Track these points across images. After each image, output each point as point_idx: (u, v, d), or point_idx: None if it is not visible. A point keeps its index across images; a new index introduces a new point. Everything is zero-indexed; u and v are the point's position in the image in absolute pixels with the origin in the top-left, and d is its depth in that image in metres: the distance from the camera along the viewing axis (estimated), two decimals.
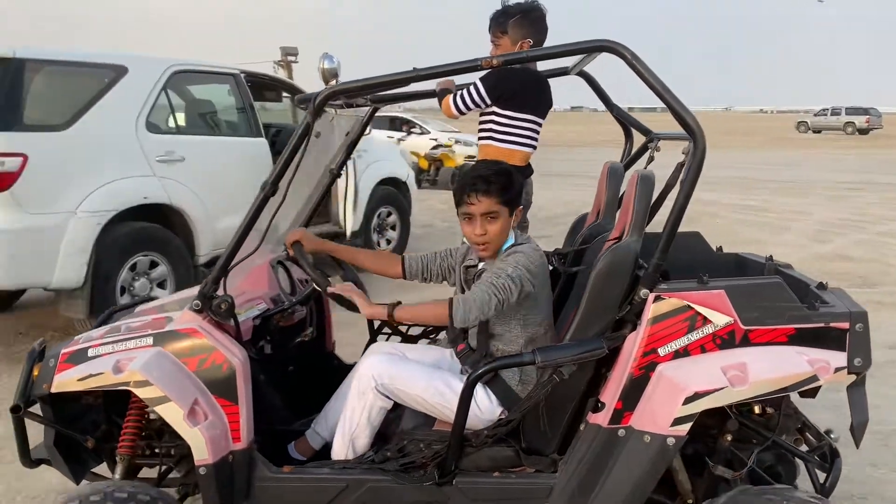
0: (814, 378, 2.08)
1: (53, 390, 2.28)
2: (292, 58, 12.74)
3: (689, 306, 2.12)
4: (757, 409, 2.50)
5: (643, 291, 2.14)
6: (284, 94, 7.00)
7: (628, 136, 3.55)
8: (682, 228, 2.19)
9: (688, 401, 2.06)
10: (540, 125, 3.46)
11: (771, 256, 2.83)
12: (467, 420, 2.29)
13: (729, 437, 2.38)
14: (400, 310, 2.33)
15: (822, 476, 2.51)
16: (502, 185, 2.32)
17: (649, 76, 2.05)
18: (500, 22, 3.43)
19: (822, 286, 2.40)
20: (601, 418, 2.18)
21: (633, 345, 2.14)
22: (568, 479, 2.21)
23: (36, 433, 2.45)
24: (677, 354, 2.13)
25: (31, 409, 2.38)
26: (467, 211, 2.34)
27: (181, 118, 5.65)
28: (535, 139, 3.45)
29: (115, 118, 4.91)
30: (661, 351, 2.13)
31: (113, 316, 2.77)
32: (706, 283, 2.15)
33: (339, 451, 2.39)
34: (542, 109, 3.44)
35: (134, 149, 4.94)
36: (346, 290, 2.40)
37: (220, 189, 5.38)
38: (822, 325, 2.13)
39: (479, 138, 3.49)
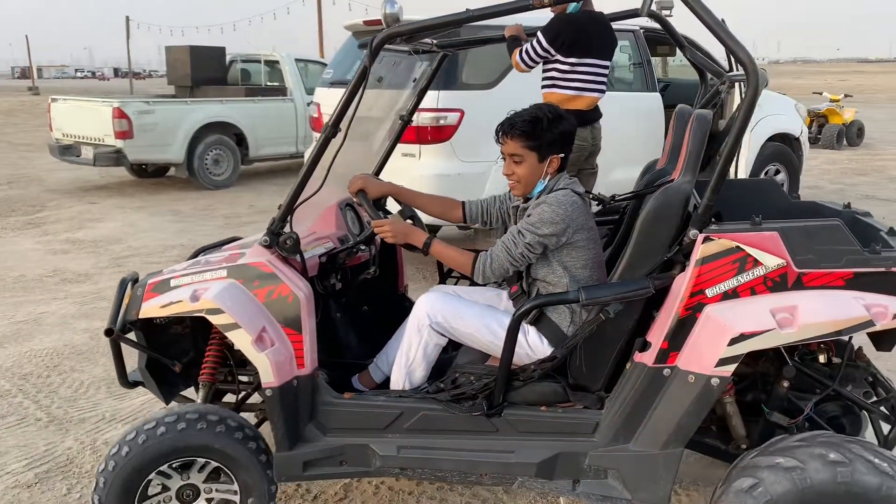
0: (869, 323, 2.02)
1: (140, 316, 2.51)
2: (667, 11, 12.66)
3: (739, 247, 2.09)
4: (822, 358, 2.45)
5: (693, 232, 2.12)
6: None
7: (703, 79, 3.45)
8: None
9: (733, 342, 2.04)
10: (606, 67, 3.40)
11: (849, 204, 2.72)
12: (519, 360, 2.36)
13: (785, 384, 2.35)
14: (435, 243, 2.46)
15: (887, 429, 2.45)
16: (526, 130, 2.39)
17: (702, 11, 2.01)
18: None
19: (893, 232, 2.31)
20: (647, 357, 2.19)
21: (682, 285, 2.14)
22: (613, 415, 2.25)
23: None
24: (726, 296, 2.11)
25: (128, 336, 2.63)
26: (500, 150, 2.47)
27: None
28: (601, 83, 3.41)
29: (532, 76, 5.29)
30: (709, 292, 2.11)
31: (200, 254, 2.99)
32: (759, 225, 2.11)
33: (397, 382, 2.52)
34: (605, 52, 3.40)
35: None
36: (386, 222, 2.51)
37: (617, 141, 5.47)
38: (882, 269, 2.06)
39: (543, 86, 3.51)
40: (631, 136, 5.66)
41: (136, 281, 2.67)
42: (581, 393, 2.35)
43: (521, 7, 2.21)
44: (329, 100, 6.14)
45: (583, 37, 3.32)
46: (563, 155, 2.44)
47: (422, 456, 2.39)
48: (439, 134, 5.03)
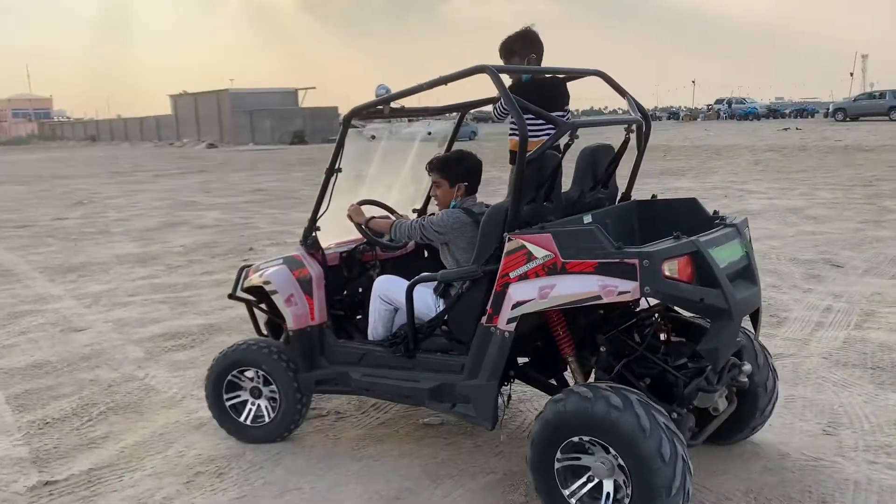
0: (598, 297, 2.85)
1: (245, 286, 4.19)
2: None
3: (524, 245, 3.04)
4: (663, 336, 3.23)
5: (504, 235, 3.12)
6: None
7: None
8: None
9: (514, 307, 3.03)
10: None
11: (724, 217, 3.36)
12: (430, 319, 3.53)
13: (602, 349, 3.19)
14: (372, 221, 3.80)
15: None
16: (439, 166, 3.55)
17: (502, 92, 3.08)
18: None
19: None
20: (485, 320, 3.22)
21: (498, 271, 3.15)
22: (470, 359, 3.31)
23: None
24: (521, 277, 3.06)
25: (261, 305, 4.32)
26: None
27: None
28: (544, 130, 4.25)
29: None
30: (512, 275, 3.09)
31: None
32: (542, 229, 3.03)
33: (370, 335, 3.84)
34: (550, 108, 4.22)
35: None
36: (351, 205, 3.88)
37: None
38: (617, 260, 2.85)
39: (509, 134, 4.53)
40: None
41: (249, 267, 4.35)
42: (459, 344, 3.43)
43: (419, 89, 3.43)
44: None
45: (525, 100, 4.23)
46: (467, 183, 3.57)
47: (374, 381, 3.66)
48: None
